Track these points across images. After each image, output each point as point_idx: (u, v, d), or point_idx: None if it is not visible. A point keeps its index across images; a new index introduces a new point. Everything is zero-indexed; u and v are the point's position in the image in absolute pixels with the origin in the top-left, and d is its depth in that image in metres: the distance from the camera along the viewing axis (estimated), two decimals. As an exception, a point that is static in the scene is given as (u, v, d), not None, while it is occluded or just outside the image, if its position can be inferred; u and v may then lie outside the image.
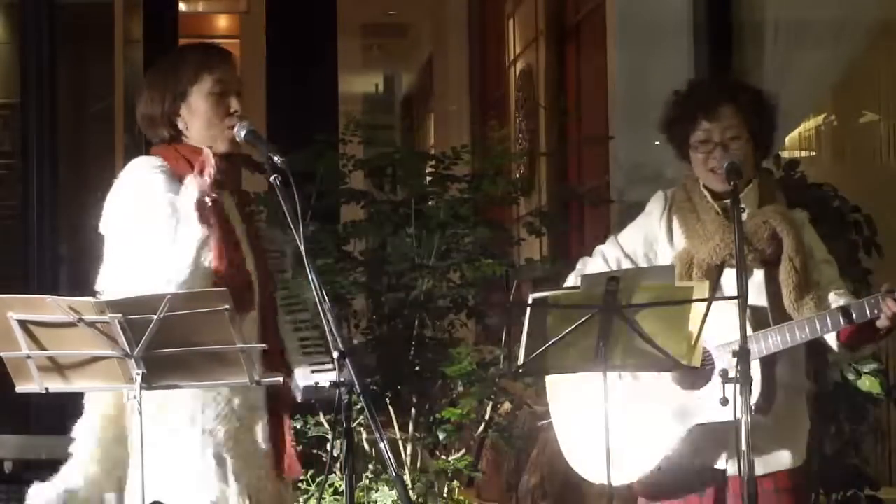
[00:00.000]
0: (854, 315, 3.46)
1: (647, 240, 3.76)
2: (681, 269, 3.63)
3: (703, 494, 3.66)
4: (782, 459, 3.65)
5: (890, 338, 3.63)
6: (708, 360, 3.57)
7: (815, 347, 3.71)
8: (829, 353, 3.78)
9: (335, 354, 3.10)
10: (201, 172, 3.26)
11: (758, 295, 3.61)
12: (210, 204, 3.26)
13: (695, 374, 3.55)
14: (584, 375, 3.55)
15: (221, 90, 3.41)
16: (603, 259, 3.78)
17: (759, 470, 3.56)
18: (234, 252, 3.34)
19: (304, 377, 3.41)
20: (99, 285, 3.35)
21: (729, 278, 3.60)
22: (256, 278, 3.42)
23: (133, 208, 3.33)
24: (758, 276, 3.63)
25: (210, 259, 3.28)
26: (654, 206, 3.78)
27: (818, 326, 3.49)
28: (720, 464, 3.63)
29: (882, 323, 3.45)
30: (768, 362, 3.55)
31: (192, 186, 3.26)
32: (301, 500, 4.93)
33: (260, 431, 3.41)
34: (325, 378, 3.27)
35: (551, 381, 3.84)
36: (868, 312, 3.45)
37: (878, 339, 3.56)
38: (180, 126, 3.42)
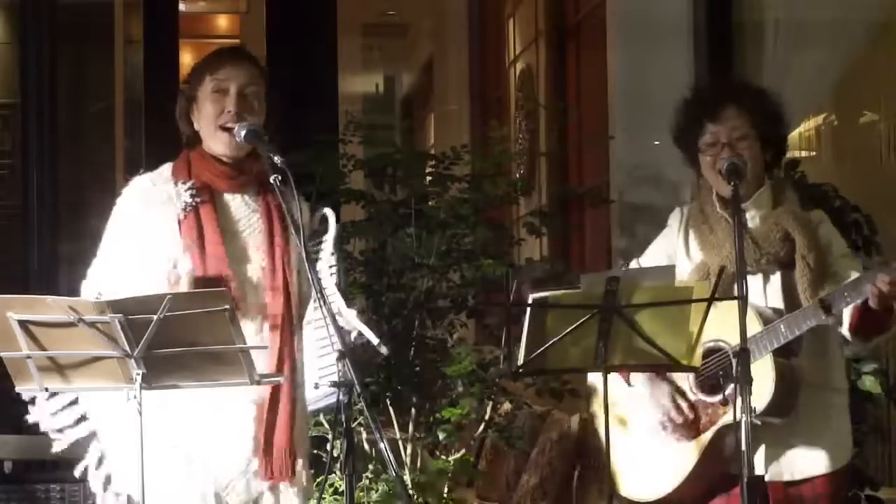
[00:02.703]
0: (833, 304, 3.44)
1: (668, 254, 3.79)
2: (699, 280, 3.63)
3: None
4: (818, 463, 3.61)
5: (890, 339, 3.61)
6: (725, 363, 3.56)
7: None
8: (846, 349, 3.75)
9: (335, 354, 3.10)
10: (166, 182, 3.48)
11: (776, 297, 3.61)
12: (179, 209, 3.41)
13: (714, 378, 3.55)
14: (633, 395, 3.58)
15: (220, 90, 3.46)
16: None
17: (795, 475, 3.55)
18: (203, 253, 3.39)
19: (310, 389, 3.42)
20: (84, 283, 3.48)
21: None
22: (262, 279, 3.43)
23: (118, 216, 3.51)
24: (775, 279, 3.63)
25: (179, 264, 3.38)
26: (673, 222, 3.83)
27: (801, 321, 3.47)
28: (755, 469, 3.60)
29: (872, 302, 3.41)
30: (782, 360, 3.53)
31: (155, 197, 3.43)
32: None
33: (239, 433, 3.41)
34: (326, 379, 3.26)
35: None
36: (848, 297, 3.43)
37: (886, 324, 3.50)
38: (196, 127, 3.51)
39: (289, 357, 3.42)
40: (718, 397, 3.59)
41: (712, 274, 3.63)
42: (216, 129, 3.45)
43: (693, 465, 3.62)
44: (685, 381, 3.65)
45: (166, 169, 3.53)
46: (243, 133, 3.38)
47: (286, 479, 3.43)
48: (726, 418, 3.56)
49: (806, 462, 3.59)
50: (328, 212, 3.43)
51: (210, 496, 3.40)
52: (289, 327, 3.44)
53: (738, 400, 3.27)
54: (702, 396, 3.63)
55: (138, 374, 3.09)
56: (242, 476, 3.42)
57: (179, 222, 3.42)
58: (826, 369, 3.65)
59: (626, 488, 3.74)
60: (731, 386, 3.52)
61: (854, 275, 3.58)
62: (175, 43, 7.36)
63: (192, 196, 3.43)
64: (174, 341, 3.06)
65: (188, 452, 3.40)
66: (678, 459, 3.64)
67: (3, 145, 7.48)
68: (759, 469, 3.56)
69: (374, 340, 3.25)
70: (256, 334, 3.40)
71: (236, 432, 3.41)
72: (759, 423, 3.43)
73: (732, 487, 3.63)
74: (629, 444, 3.72)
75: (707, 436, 3.60)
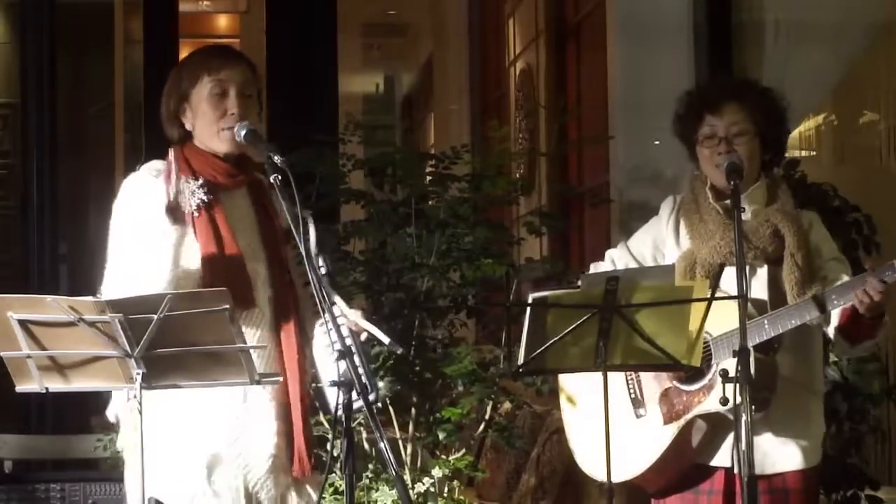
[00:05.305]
0: (826, 301, 3.45)
1: (655, 242, 3.80)
2: (684, 269, 3.64)
3: (710, 493, 3.65)
4: (793, 459, 3.61)
5: (890, 338, 3.62)
6: (706, 353, 3.57)
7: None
8: (831, 350, 3.76)
9: (335, 354, 3.10)
10: (168, 177, 3.38)
11: (761, 291, 3.62)
12: (193, 207, 3.35)
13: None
14: (591, 376, 3.56)
15: (220, 91, 3.43)
16: (612, 263, 3.81)
17: (766, 469, 3.55)
18: (223, 251, 3.37)
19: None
20: (102, 287, 3.40)
21: (729, 277, 3.61)
22: (268, 274, 3.43)
23: (122, 215, 3.42)
24: (762, 274, 3.64)
25: (190, 259, 3.34)
26: (664, 210, 3.83)
27: (791, 316, 3.47)
28: (722, 461, 3.62)
29: (861, 308, 3.40)
30: (765, 355, 3.53)
31: (160, 192, 3.37)
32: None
33: (264, 430, 3.41)
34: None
35: (562, 384, 3.86)
36: (843, 297, 3.43)
37: (874, 329, 3.51)
38: (187, 126, 3.47)
39: (298, 352, 3.42)
40: (695, 386, 3.59)
41: (698, 263, 3.64)
42: (219, 130, 3.43)
43: (662, 452, 3.62)
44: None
45: (159, 164, 3.46)
46: (243, 133, 3.37)
47: (308, 474, 3.44)
48: (700, 408, 3.57)
49: (779, 457, 3.60)
50: (307, 216, 3.37)
51: (241, 494, 3.39)
52: (295, 321, 3.44)
53: (737, 398, 3.27)
54: (677, 384, 3.63)
55: (138, 374, 3.09)
56: (269, 473, 3.42)
57: (193, 221, 3.39)
58: (807, 369, 3.66)
59: (587, 466, 3.76)
60: (710, 375, 3.53)
61: (844, 278, 3.59)
62: (175, 43, 7.37)
63: (205, 193, 3.40)
64: (174, 341, 3.06)
65: (216, 452, 3.38)
66: (647, 444, 3.65)
67: (3, 145, 7.49)
68: (726, 461, 3.57)
69: (386, 340, 3.23)
70: (264, 329, 3.40)
71: (261, 430, 3.41)
72: (731, 416, 3.43)
73: (699, 482, 3.65)
74: (587, 425, 3.72)
75: (679, 423, 3.61)
